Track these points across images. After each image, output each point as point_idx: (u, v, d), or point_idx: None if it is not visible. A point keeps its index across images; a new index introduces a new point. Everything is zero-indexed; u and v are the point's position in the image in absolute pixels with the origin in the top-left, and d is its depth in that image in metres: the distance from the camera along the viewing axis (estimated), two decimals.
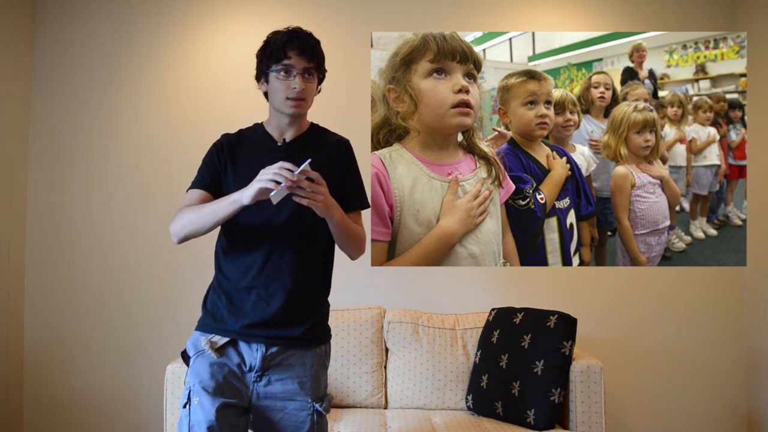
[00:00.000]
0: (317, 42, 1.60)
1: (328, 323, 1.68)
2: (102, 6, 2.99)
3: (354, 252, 1.63)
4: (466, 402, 2.52)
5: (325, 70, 1.64)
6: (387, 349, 2.67)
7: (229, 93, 2.90)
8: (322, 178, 1.42)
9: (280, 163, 1.38)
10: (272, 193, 1.37)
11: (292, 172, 1.37)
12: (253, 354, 1.53)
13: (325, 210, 1.45)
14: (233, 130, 1.70)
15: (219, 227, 1.60)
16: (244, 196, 1.41)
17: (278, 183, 1.37)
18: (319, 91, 1.65)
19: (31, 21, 2.96)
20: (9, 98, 2.82)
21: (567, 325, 2.32)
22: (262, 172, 1.40)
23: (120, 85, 2.97)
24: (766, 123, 2.86)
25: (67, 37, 2.97)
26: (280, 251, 1.53)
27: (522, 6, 3.06)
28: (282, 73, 1.54)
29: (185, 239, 1.54)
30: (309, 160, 1.39)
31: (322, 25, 2.98)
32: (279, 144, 1.61)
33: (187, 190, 1.61)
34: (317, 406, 1.55)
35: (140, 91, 2.97)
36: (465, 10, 3.04)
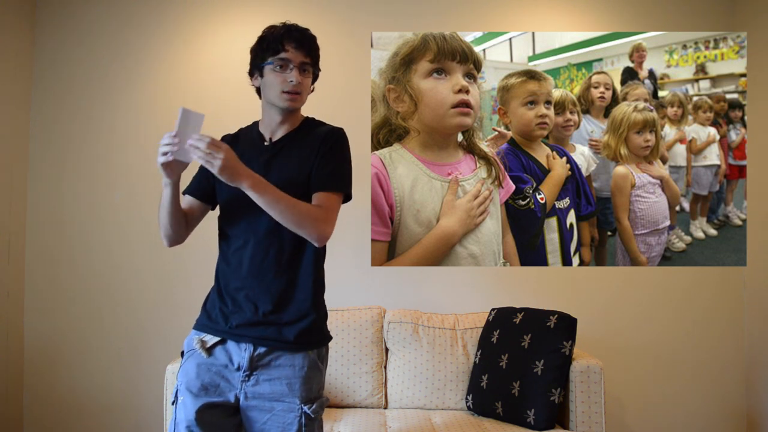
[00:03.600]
0: (314, 37, 1.59)
1: (326, 326, 1.63)
2: (102, 6, 2.99)
3: (302, 231, 1.48)
4: (466, 402, 2.52)
5: (319, 69, 1.62)
6: (387, 349, 2.67)
7: (230, 92, 2.90)
8: (220, 141, 1.40)
9: (164, 136, 1.40)
10: (177, 158, 1.40)
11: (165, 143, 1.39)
12: (241, 353, 1.52)
13: (230, 176, 1.39)
14: (234, 128, 1.71)
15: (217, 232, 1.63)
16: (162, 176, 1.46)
17: (164, 153, 1.40)
18: (312, 90, 1.63)
19: (30, 21, 2.96)
20: (9, 98, 2.82)
21: (567, 325, 2.32)
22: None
23: (120, 83, 2.97)
24: (766, 123, 2.86)
25: (67, 36, 2.97)
26: (264, 252, 1.52)
27: (522, 6, 3.06)
28: (278, 67, 1.53)
29: (168, 239, 1.58)
30: (181, 110, 1.39)
31: (323, 24, 2.99)
32: (266, 143, 1.60)
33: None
34: (306, 408, 1.51)
35: (141, 90, 2.97)
36: (465, 10, 3.04)
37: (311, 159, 1.55)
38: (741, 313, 3.00)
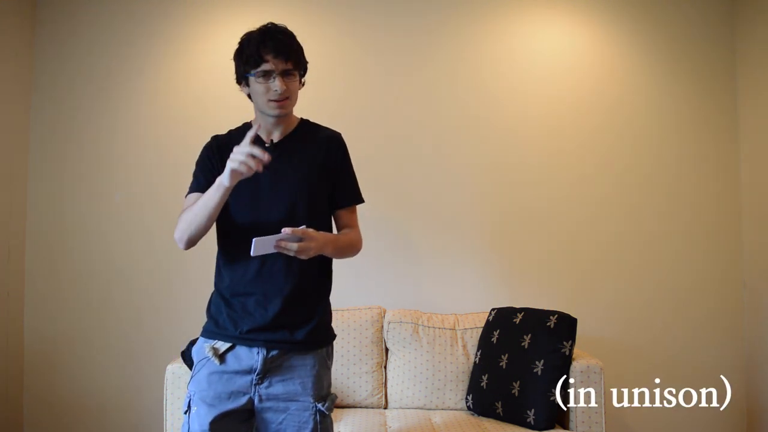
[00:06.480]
0: (292, 36, 1.57)
1: (331, 325, 1.67)
2: (102, 5, 2.98)
3: (350, 257, 1.68)
4: (466, 402, 2.52)
5: (306, 62, 1.61)
6: (387, 349, 2.67)
7: (231, 91, 2.86)
8: (310, 232, 1.44)
9: (248, 148, 1.36)
10: (252, 252, 1.37)
11: (261, 155, 1.36)
12: (254, 357, 1.53)
13: (320, 252, 1.49)
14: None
15: (216, 234, 1.62)
16: (224, 178, 1.41)
17: (249, 166, 1.36)
18: (303, 84, 1.63)
19: (31, 21, 2.95)
20: (9, 99, 2.82)
21: (567, 325, 2.32)
22: (234, 150, 1.38)
23: (120, 83, 2.97)
24: (761, 121, 2.85)
25: (67, 36, 2.97)
26: (273, 255, 1.50)
27: (522, 6, 3.04)
28: (260, 78, 1.53)
29: (190, 242, 1.53)
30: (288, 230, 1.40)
31: (323, 25, 2.99)
32: (267, 145, 1.60)
33: (185, 196, 1.62)
34: (320, 406, 1.54)
35: (141, 90, 2.97)
36: (466, 9, 3.01)
37: (323, 163, 1.59)
38: (741, 313, 3.00)
